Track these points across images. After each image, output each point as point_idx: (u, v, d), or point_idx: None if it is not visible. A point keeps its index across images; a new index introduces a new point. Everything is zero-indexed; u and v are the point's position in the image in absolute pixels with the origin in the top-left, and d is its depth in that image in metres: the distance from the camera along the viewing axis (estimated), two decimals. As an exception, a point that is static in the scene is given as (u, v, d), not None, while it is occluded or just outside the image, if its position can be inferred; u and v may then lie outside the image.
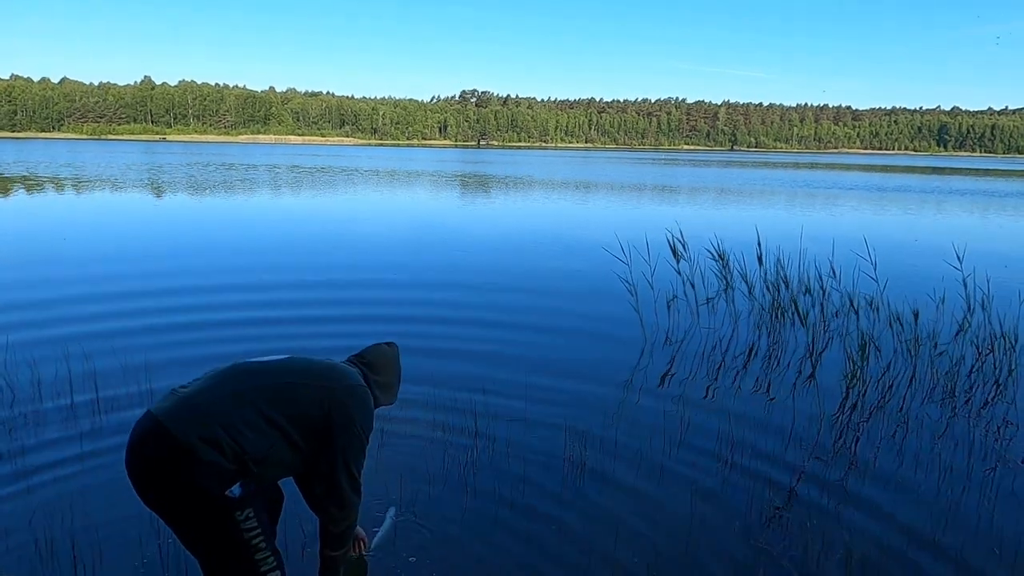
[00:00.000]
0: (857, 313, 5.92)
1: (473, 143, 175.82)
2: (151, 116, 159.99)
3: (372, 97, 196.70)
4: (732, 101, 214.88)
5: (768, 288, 6.55)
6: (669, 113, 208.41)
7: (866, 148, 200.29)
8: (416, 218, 15.49)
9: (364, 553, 2.62)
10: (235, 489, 1.93)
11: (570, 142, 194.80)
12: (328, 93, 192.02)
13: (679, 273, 6.67)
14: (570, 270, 9.02)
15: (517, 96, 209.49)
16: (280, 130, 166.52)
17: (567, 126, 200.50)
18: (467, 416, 3.97)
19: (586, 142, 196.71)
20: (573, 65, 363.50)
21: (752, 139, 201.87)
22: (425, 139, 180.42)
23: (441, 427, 3.89)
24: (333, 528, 2.19)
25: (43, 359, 4.70)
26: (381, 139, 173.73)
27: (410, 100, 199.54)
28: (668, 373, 5.06)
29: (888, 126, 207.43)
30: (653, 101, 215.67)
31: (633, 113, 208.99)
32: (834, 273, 6.44)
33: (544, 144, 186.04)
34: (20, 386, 4.29)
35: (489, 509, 3.11)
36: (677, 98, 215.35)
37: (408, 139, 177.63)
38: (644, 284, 6.58)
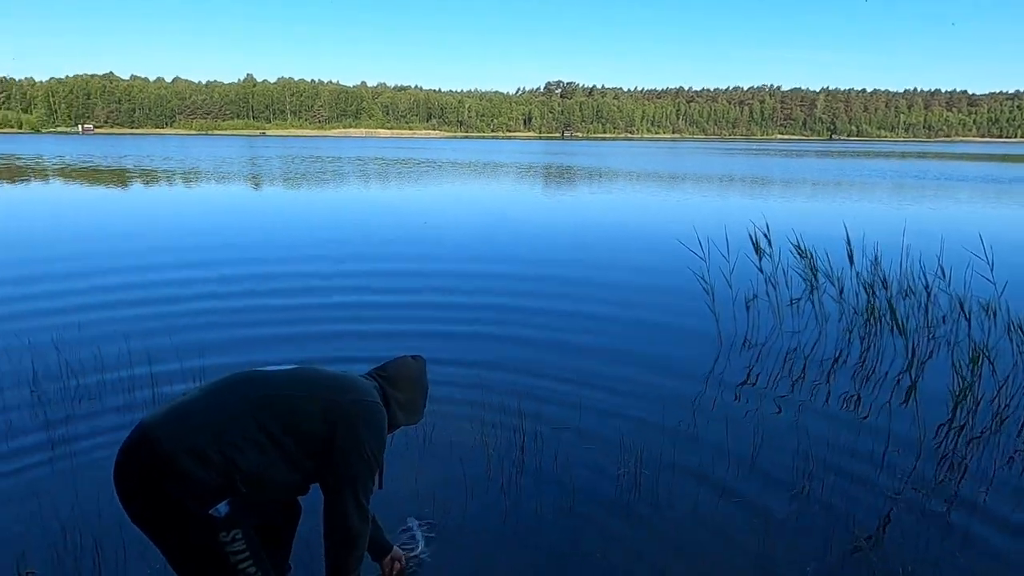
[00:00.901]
0: (968, 319, 5.21)
1: (557, 135, 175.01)
2: (252, 112, 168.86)
3: (458, 90, 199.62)
4: (831, 87, 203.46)
5: (863, 289, 5.90)
6: (762, 101, 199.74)
7: (983, 136, 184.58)
8: (491, 209, 15.33)
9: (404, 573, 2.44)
10: (221, 508, 1.75)
11: (657, 133, 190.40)
12: (416, 87, 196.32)
13: (760, 271, 6.13)
14: (642, 265, 8.56)
15: (603, 87, 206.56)
16: (370, 124, 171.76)
17: (654, 116, 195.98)
18: (515, 417, 3.70)
19: (673, 133, 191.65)
20: (661, 54, 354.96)
21: (853, 127, 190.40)
22: (510, 131, 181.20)
23: (488, 427, 3.63)
24: (336, 557, 1.99)
25: (154, 331, 4.81)
26: (466, 132, 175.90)
27: (495, 92, 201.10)
28: (744, 382, 4.59)
29: (1010, 112, 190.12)
30: (745, 89, 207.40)
31: (724, 102, 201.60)
32: (943, 273, 5.73)
33: (630, 135, 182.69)
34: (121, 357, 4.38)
35: (530, 524, 2.83)
36: (771, 85, 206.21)
37: (493, 131, 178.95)
38: (722, 282, 6.09)
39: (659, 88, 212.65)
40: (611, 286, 7.36)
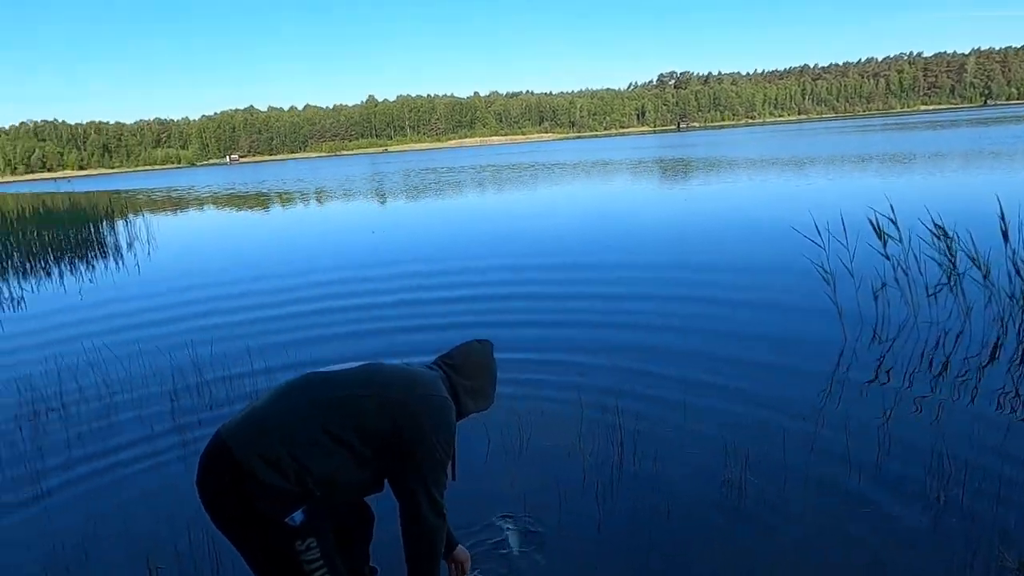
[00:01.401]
0: None
1: (672, 127, 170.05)
2: (375, 131, 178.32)
3: (569, 91, 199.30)
4: (983, 47, 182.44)
5: (1018, 270, 5.19)
6: (901, 71, 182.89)
7: None
8: (597, 205, 15.10)
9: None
10: (297, 516, 1.79)
11: (780, 115, 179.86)
12: (528, 92, 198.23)
13: (887, 257, 5.56)
14: (754, 256, 8.05)
15: (719, 73, 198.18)
16: (484, 132, 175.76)
17: (776, 99, 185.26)
18: (612, 415, 3.59)
19: (799, 114, 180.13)
20: (780, 33, 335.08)
21: (1013, 90, 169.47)
22: (623, 127, 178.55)
23: (585, 425, 3.55)
24: (415, 556, 1.98)
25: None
26: (579, 132, 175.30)
27: (606, 90, 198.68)
28: (872, 380, 4.18)
29: None
30: (880, 60, 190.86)
31: (855, 76, 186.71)
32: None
33: (751, 121, 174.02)
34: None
35: (625, 532, 2.73)
36: (911, 53, 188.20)
37: (605, 129, 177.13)
38: (844, 271, 5.61)
39: (781, 68, 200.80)
40: (719, 280, 6.99)
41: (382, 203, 20.91)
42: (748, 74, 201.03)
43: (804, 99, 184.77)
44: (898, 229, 5.57)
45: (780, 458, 3.21)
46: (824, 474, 3.09)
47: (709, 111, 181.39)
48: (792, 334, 5.12)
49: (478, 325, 5.75)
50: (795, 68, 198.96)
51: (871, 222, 5.59)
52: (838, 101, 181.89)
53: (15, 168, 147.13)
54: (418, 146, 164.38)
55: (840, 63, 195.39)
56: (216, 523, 1.86)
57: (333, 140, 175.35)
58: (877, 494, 2.92)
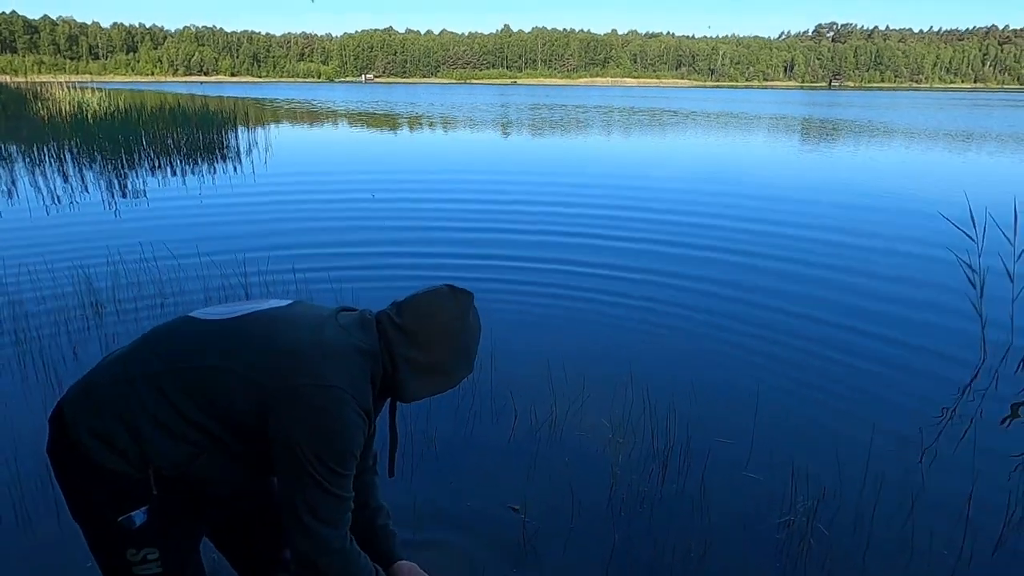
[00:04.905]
0: None
1: (823, 84, 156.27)
2: (506, 62, 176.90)
3: (712, 36, 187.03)
4: None
5: None
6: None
7: None
8: (716, 162, 13.85)
9: None
10: (137, 516, 1.33)
11: (951, 82, 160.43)
12: (668, 34, 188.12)
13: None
14: (884, 242, 6.91)
15: (887, 28, 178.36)
16: (617, 72, 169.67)
17: (949, 62, 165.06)
18: (662, 419, 3.02)
19: (974, 82, 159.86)
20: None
21: None
22: (767, 80, 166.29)
23: (632, 423, 3.02)
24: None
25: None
26: (717, 81, 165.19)
27: (753, 37, 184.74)
28: (1010, 418, 3.32)
29: None
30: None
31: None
32: None
33: (915, 85, 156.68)
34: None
35: (642, 567, 2.21)
36: None
37: (747, 80, 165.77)
38: (1002, 272, 4.57)
39: (961, 28, 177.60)
40: (833, 262, 6.03)
41: (505, 135, 20.44)
42: (921, 31, 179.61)
43: (984, 65, 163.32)
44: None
45: (865, 501, 2.54)
46: (923, 530, 2.40)
47: (868, 70, 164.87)
48: (914, 340, 4.23)
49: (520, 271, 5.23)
50: (979, 28, 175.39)
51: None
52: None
53: (176, 70, 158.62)
54: (548, 81, 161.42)
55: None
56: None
57: (464, 68, 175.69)
58: (1002, 556, 2.22)
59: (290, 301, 1.50)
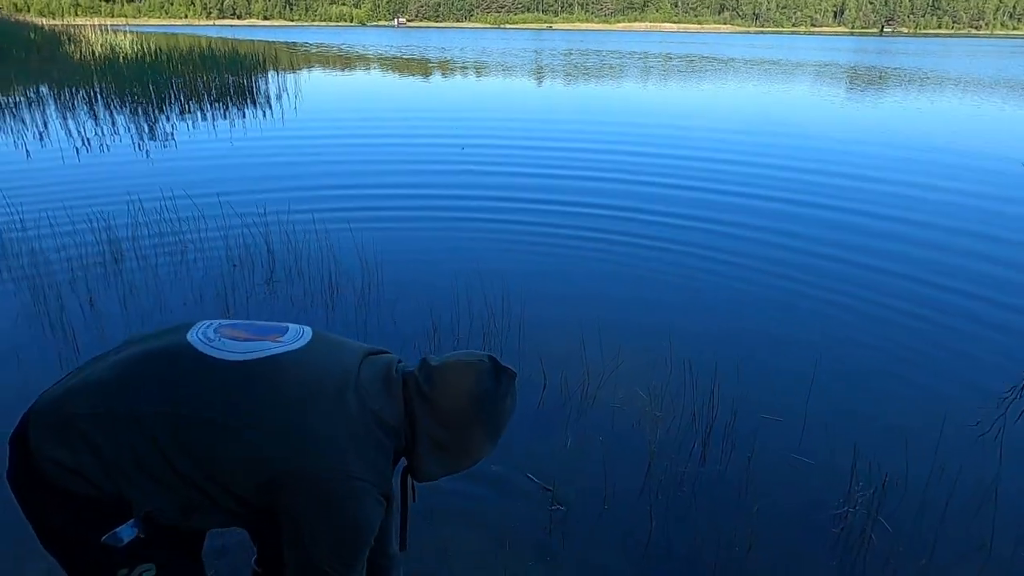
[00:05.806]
0: None
1: (875, 30, 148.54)
2: (541, 5, 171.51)
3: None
4: None
5: None
6: None
7: None
8: (755, 114, 13.17)
9: None
10: (123, 531, 1.15)
11: (1015, 29, 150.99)
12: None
13: None
14: (962, 195, 6.42)
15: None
16: (656, 17, 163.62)
17: (1015, 7, 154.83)
18: (704, 395, 2.78)
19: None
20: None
21: None
22: (815, 26, 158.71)
23: (673, 396, 2.79)
24: None
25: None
26: (762, 26, 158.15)
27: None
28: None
29: None
30: None
31: None
32: None
33: (974, 31, 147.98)
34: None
35: (679, 558, 2.01)
36: None
37: (794, 26, 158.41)
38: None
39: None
40: (904, 217, 5.60)
41: (539, 83, 19.79)
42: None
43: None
44: None
45: (935, 493, 2.29)
46: (1003, 531, 2.15)
47: (924, 15, 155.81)
48: (1000, 305, 3.87)
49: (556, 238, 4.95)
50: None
51: None
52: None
53: (210, 13, 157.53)
54: (584, 26, 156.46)
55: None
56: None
57: (498, 12, 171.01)
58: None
59: (308, 337, 1.29)
